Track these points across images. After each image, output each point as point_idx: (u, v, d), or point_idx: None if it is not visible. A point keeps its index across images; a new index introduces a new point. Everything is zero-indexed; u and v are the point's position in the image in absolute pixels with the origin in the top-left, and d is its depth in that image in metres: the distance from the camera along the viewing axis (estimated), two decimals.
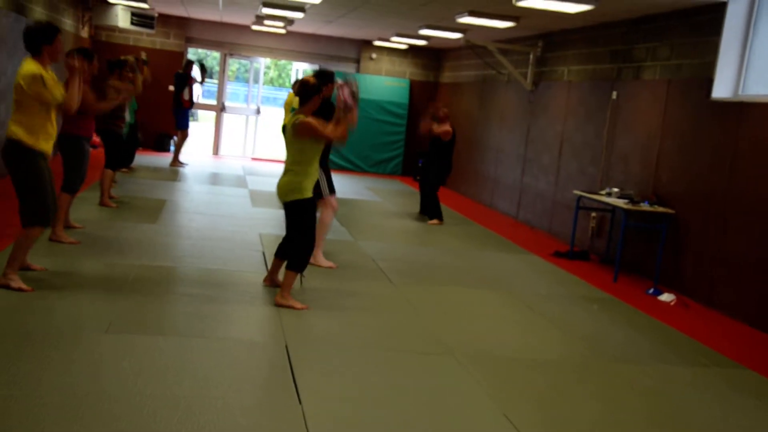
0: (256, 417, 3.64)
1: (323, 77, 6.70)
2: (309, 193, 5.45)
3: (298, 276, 5.57)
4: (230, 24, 15.62)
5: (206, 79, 13.69)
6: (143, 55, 10.61)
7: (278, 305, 5.43)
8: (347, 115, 5.44)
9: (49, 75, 5.13)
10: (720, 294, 6.89)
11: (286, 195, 5.46)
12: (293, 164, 5.43)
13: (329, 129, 5.36)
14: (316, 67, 16.63)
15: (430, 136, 10.30)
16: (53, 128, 5.25)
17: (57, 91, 5.11)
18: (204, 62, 13.53)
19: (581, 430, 3.94)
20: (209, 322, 4.97)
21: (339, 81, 5.92)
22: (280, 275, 5.95)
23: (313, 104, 5.47)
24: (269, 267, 6.58)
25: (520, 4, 7.70)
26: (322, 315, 5.39)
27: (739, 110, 6.83)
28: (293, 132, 5.36)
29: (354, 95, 5.66)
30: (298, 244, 5.49)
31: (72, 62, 5.30)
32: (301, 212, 5.45)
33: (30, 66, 5.06)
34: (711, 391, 4.75)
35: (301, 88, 5.47)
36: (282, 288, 5.51)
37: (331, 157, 5.80)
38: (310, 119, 5.33)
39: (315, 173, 5.52)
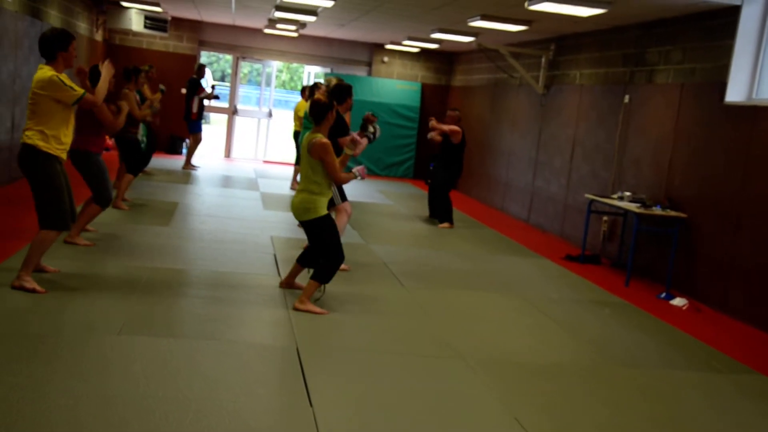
0: (267, 420, 3.65)
1: (341, 93, 6.75)
2: (323, 211, 5.49)
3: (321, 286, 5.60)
4: (243, 27, 15.68)
5: (214, 96, 13.68)
6: (160, 86, 10.66)
7: (297, 310, 5.44)
8: (348, 157, 5.57)
9: (64, 76, 5.22)
10: (733, 298, 6.84)
11: (301, 215, 5.51)
12: (307, 182, 5.46)
13: (339, 172, 5.42)
14: (327, 70, 16.67)
15: (439, 138, 10.23)
16: (68, 137, 5.33)
17: (77, 87, 5.23)
18: (214, 87, 13.59)
19: None
20: (220, 325, 4.98)
21: (368, 114, 6.26)
22: (299, 279, 5.98)
23: (329, 121, 5.50)
24: (281, 270, 6.61)
25: (532, 7, 7.69)
26: (333, 318, 5.40)
27: (753, 114, 6.79)
28: (309, 150, 5.39)
29: (374, 134, 6.08)
30: (325, 258, 5.52)
31: (107, 64, 5.59)
32: (320, 230, 5.49)
33: (45, 72, 5.17)
34: (723, 397, 4.72)
35: (313, 108, 5.47)
36: (302, 293, 5.53)
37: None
38: (327, 143, 5.36)
39: (328, 191, 5.55)
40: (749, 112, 6.85)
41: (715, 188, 7.19)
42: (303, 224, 5.60)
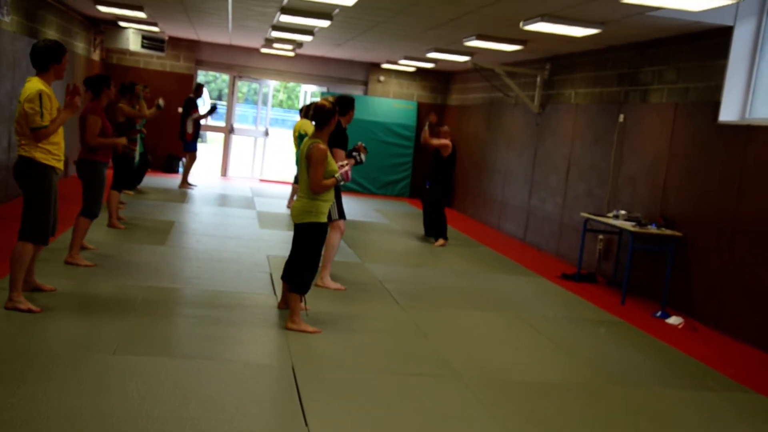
0: None
1: (344, 104, 6.81)
2: (324, 218, 5.47)
3: (303, 303, 5.57)
4: (239, 47, 15.77)
5: (213, 113, 13.72)
6: (160, 100, 10.71)
7: (289, 330, 5.42)
8: (335, 181, 5.54)
9: (50, 92, 5.16)
10: (728, 317, 6.85)
11: (300, 216, 5.47)
12: (308, 187, 5.45)
13: (321, 179, 5.36)
14: (324, 89, 16.75)
15: (431, 152, 10.33)
16: (59, 149, 5.30)
17: (47, 115, 5.09)
18: (215, 104, 13.63)
19: None
20: (216, 344, 4.98)
21: (360, 144, 6.41)
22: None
23: (330, 127, 5.50)
24: (276, 289, 6.61)
25: (527, 27, 7.76)
26: (329, 337, 5.39)
27: (747, 133, 6.84)
28: (308, 155, 5.39)
29: (359, 157, 6.18)
30: (301, 266, 5.50)
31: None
32: (312, 235, 5.47)
33: (34, 84, 5.13)
34: (717, 416, 4.72)
35: (316, 113, 5.46)
36: (290, 312, 5.51)
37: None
38: (325, 149, 5.36)
39: (330, 197, 5.55)
40: (743, 132, 6.90)
41: (710, 207, 7.23)
42: (297, 227, 5.55)
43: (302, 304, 5.65)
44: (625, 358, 5.81)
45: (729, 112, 7.17)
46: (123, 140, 7.30)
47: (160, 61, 15.39)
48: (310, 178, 5.37)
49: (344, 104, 6.85)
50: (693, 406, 4.83)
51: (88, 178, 6.67)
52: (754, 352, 6.36)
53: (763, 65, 7.08)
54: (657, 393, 5.01)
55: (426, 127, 10.36)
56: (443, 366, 5.07)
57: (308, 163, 5.38)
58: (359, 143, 6.62)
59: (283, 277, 5.89)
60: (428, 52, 11.85)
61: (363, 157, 6.50)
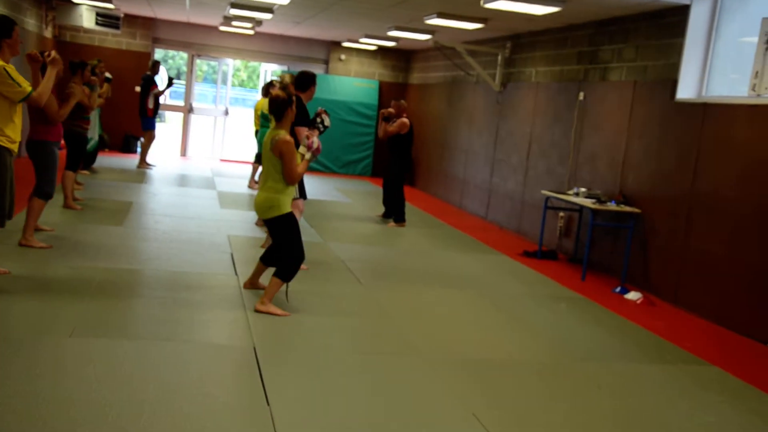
0: (224, 421, 3.60)
1: (304, 81, 6.68)
2: (287, 208, 5.43)
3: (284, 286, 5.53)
4: (198, 25, 15.49)
5: (171, 87, 13.47)
6: (107, 74, 10.46)
7: (258, 311, 5.37)
8: (309, 158, 5.51)
9: (12, 68, 5.06)
10: (685, 292, 6.98)
11: (264, 212, 5.44)
12: (271, 180, 5.38)
13: (296, 169, 5.32)
14: (285, 68, 16.57)
15: (389, 137, 10.12)
16: (16, 131, 5.17)
17: (25, 83, 5.05)
18: (172, 77, 13.34)
19: (549, 429, 3.96)
20: (176, 326, 4.91)
21: (320, 110, 6.25)
22: (263, 279, 5.91)
23: (289, 118, 5.44)
24: (238, 269, 6.54)
25: (488, 5, 7.73)
26: (291, 317, 5.35)
27: (703, 111, 6.94)
28: (271, 148, 5.32)
29: (323, 123, 6.05)
30: (287, 255, 5.46)
31: (53, 58, 5.31)
32: (284, 227, 5.44)
33: None
34: (676, 389, 4.81)
35: (272, 106, 5.39)
36: (264, 294, 5.45)
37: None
38: (290, 141, 5.30)
39: (292, 189, 5.49)
40: (699, 109, 6.99)
41: (668, 184, 7.33)
42: (266, 222, 5.53)
43: (286, 291, 5.60)
44: (585, 333, 5.89)
45: (686, 90, 7.26)
46: (94, 97, 7.23)
47: (116, 39, 15.04)
48: (285, 173, 5.31)
49: (305, 80, 6.74)
50: (650, 379, 4.91)
51: (39, 158, 6.51)
52: (710, 326, 6.50)
53: (719, 43, 7.16)
54: (617, 367, 5.08)
55: (382, 120, 10.10)
56: (405, 344, 5.08)
57: (274, 156, 5.31)
58: (319, 108, 6.45)
59: (263, 259, 5.83)
60: (389, 31, 11.77)
61: (327, 120, 6.33)
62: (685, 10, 7.18)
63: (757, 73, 6.58)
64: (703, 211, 6.82)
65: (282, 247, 5.51)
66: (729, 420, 4.37)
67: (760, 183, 6.20)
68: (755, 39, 6.62)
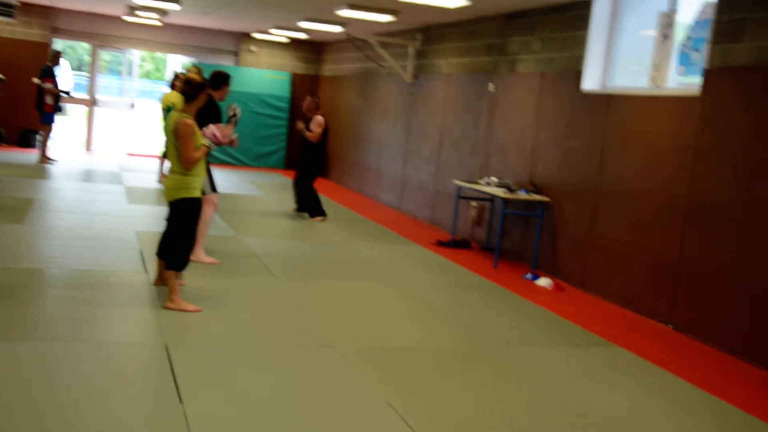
0: (135, 421, 3.48)
1: (218, 79, 6.61)
2: (197, 193, 5.31)
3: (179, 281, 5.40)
4: (101, 14, 14.93)
5: (63, 92, 12.87)
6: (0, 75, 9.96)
7: (168, 309, 5.22)
8: (207, 149, 5.41)
9: None
10: (592, 277, 7.22)
11: (173, 193, 5.30)
12: (178, 163, 5.25)
13: (192, 152, 5.19)
14: (194, 60, 16.18)
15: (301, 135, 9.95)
16: None
17: None
18: (69, 92, 12.78)
19: (465, 416, 4.02)
20: (83, 326, 4.73)
21: (232, 107, 6.18)
22: None
23: (199, 102, 5.32)
24: (147, 266, 6.36)
25: None
26: (204, 313, 5.24)
27: (607, 102, 7.17)
28: (174, 131, 5.17)
29: (234, 116, 5.97)
30: (177, 243, 5.33)
31: None
32: (186, 211, 5.31)
33: None
34: (585, 371, 4.96)
35: (186, 86, 5.27)
36: (168, 291, 5.31)
37: (212, 152, 5.71)
38: (192, 124, 5.17)
39: (202, 172, 5.40)
40: (603, 100, 7.23)
41: (575, 172, 7.55)
42: (171, 204, 5.37)
43: (180, 280, 5.47)
44: (497, 320, 6.01)
45: (591, 82, 7.49)
46: None
47: (10, 28, 14.31)
48: (181, 154, 5.18)
49: (218, 79, 6.67)
50: (560, 363, 5.05)
51: None
52: (616, 309, 6.74)
53: (621, 36, 7.42)
54: (527, 352, 5.21)
55: (302, 128, 9.86)
56: (320, 336, 5.05)
57: (175, 138, 5.18)
58: (230, 105, 6.42)
59: (159, 254, 5.67)
60: (300, 22, 11.65)
61: (238, 111, 6.28)
62: (588, 4, 7.40)
63: (655, 65, 6.86)
64: (608, 200, 7.06)
65: (175, 234, 5.38)
66: (634, 400, 4.54)
67: (660, 172, 6.46)
68: (654, 33, 6.90)
